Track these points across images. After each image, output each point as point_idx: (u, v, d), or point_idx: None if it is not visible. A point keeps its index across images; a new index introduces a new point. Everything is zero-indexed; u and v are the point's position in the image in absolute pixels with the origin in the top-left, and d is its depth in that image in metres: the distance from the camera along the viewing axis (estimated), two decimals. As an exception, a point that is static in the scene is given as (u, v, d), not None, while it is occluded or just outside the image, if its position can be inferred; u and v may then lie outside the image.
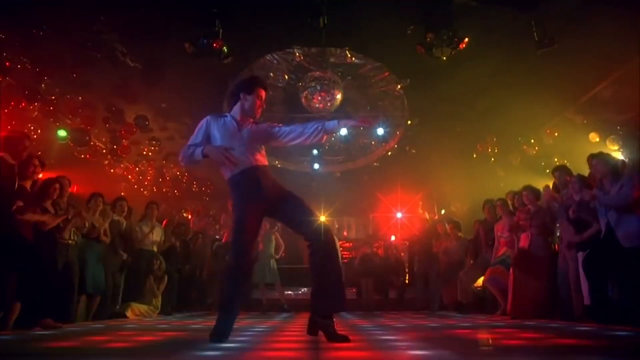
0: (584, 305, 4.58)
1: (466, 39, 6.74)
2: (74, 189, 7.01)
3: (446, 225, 8.01)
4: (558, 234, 5.77)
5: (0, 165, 3.91)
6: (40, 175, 4.82)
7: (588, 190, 4.45)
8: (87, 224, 5.35)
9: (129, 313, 6.20)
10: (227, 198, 10.32)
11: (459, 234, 7.74)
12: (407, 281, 9.45)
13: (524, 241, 5.59)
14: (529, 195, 5.69)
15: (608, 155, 4.79)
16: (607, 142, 8.58)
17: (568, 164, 6.00)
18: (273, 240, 8.64)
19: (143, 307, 6.53)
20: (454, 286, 7.07)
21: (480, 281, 6.84)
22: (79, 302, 5.29)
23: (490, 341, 2.85)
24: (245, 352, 2.52)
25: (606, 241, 4.25)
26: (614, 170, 4.41)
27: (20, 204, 4.12)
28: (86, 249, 5.43)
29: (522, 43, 7.05)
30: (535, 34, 6.73)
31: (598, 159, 4.51)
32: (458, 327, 4.25)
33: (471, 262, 7.21)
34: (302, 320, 5.58)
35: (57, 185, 4.77)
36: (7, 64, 7.58)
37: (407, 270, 9.76)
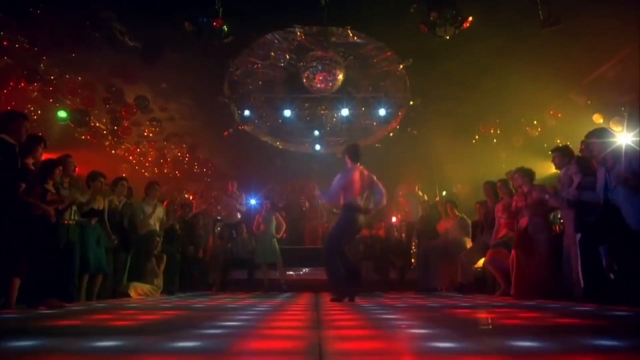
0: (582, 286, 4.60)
1: (470, 18, 6.65)
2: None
3: (446, 205, 8.06)
4: (559, 216, 5.75)
5: (1, 146, 3.89)
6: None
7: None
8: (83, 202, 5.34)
9: (132, 292, 6.27)
10: (228, 179, 10.38)
11: (457, 212, 7.78)
12: (412, 261, 9.50)
13: (523, 222, 5.60)
14: (523, 177, 5.67)
15: (608, 132, 4.64)
16: (611, 123, 8.52)
17: (571, 146, 5.94)
18: (274, 221, 8.71)
19: (146, 287, 6.60)
20: (453, 266, 7.12)
21: (480, 262, 6.88)
22: (81, 282, 5.32)
23: (489, 320, 2.87)
24: (246, 331, 2.55)
25: (605, 220, 4.23)
26: (616, 149, 4.35)
27: (23, 185, 4.12)
28: (86, 230, 5.44)
29: (527, 22, 6.95)
30: (540, 12, 6.63)
31: (596, 141, 4.43)
32: (458, 306, 4.29)
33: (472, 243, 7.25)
34: (303, 300, 5.64)
35: (61, 167, 4.79)
36: (5, 43, 7.51)
37: (411, 251, 9.82)
